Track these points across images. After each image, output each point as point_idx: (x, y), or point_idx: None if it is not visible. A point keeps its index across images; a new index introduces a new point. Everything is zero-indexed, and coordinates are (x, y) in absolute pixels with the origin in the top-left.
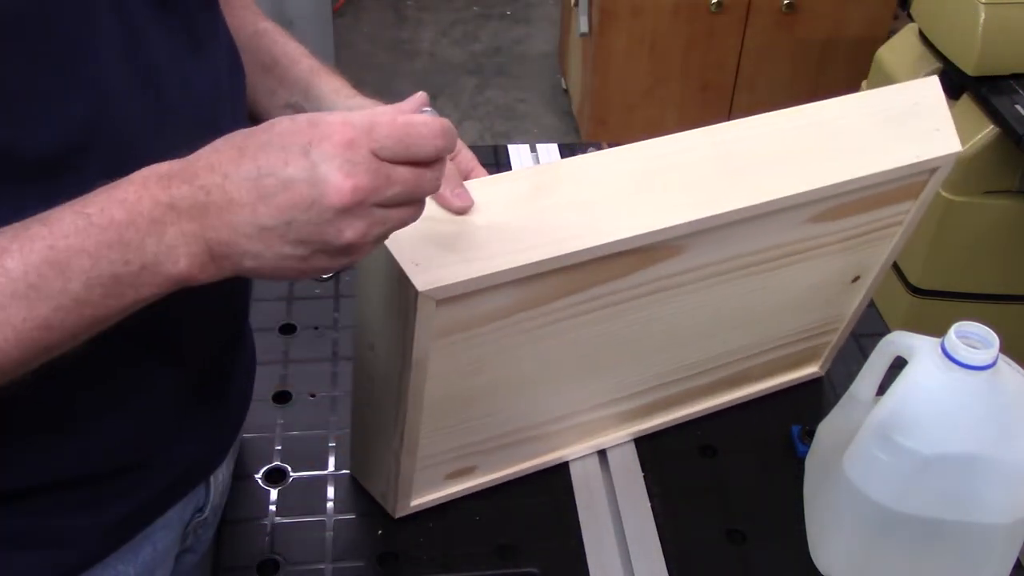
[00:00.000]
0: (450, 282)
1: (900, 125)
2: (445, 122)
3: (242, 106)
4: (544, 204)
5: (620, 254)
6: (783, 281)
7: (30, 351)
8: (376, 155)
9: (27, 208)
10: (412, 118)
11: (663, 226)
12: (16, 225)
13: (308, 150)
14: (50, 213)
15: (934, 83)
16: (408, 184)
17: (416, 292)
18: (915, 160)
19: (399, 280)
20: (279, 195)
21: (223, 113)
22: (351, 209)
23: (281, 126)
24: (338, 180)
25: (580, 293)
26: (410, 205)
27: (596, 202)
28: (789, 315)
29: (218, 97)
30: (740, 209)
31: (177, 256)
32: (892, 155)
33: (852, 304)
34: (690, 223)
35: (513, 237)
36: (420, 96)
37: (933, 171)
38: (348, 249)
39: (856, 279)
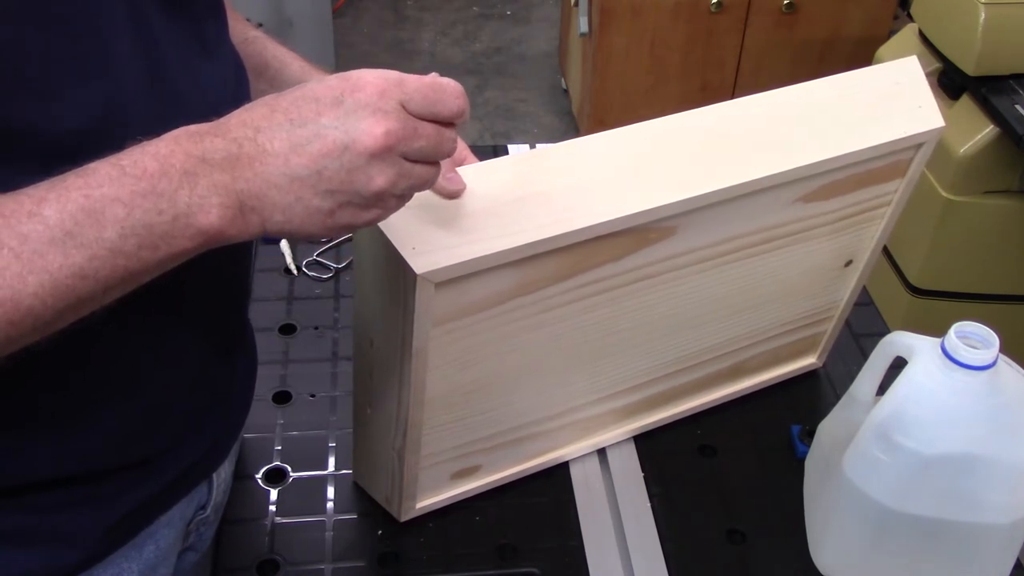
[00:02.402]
0: (448, 264)
1: (883, 103)
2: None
3: None
4: (536, 187)
5: (614, 235)
6: (778, 265)
7: (64, 300)
8: (404, 107)
9: None
10: (438, 78)
11: (655, 205)
12: (54, 178)
13: (341, 100)
14: (85, 166)
15: (913, 63)
16: (431, 140)
17: (415, 275)
18: (900, 136)
19: (397, 266)
20: (312, 144)
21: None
22: (382, 155)
23: (311, 84)
24: (370, 125)
25: (575, 277)
26: (431, 164)
27: (588, 184)
28: (785, 301)
29: (226, 100)
30: (730, 187)
31: (209, 207)
32: (877, 132)
33: (846, 290)
34: (681, 202)
35: (508, 219)
36: (433, 74)
37: (918, 147)
38: (376, 199)
39: (849, 263)
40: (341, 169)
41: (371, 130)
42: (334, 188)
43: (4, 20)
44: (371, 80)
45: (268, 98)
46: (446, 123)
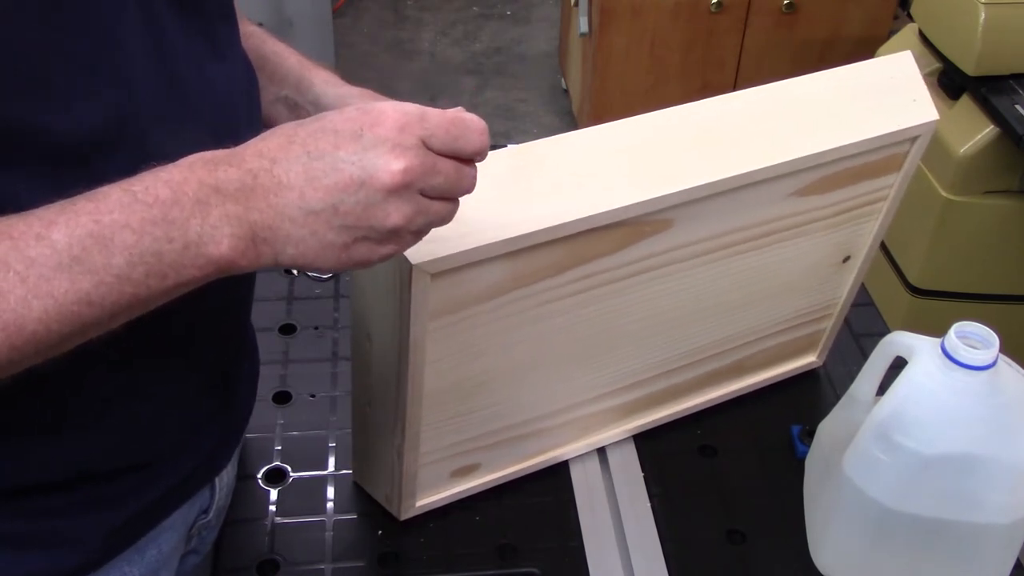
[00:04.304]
0: (443, 254)
1: (877, 97)
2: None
3: (259, 112)
4: (531, 180)
5: (610, 227)
6: (775, 260)
7: (69, 326)
8: (425, 143)
9: (54, 196)
10: (461, 113)
11: (650, 196)
12: (64, 200)
13: (360, 134)
14: (96, 190)
15: (908, 57)
16: (450, 177)
17: (410, 266)
18: (895, 129)
19: (392, 258)
20: (328, 178)
21: (242, 118)
22: (399, 192)
23: (331, 115)
24: (389, 161)
25: (572, 270)
26: (449, 201)
27: (583, 177)
28: (784, 297)
29: (237, 102)
30: (726, 179)
31: (221, 237)
32: (871, 125)
33: (845, 286)
34: (677, 193)
35: (503, 211)
36: (459, 109)
37: (913, 140)
38: (392, 235)
39: (847, 259)
40: (357, 205)
41: (388, 166)
42: (349, 224)
43: (10, 20)
44: (391, 115)
45: (287, 127)
46: (466, 160)
